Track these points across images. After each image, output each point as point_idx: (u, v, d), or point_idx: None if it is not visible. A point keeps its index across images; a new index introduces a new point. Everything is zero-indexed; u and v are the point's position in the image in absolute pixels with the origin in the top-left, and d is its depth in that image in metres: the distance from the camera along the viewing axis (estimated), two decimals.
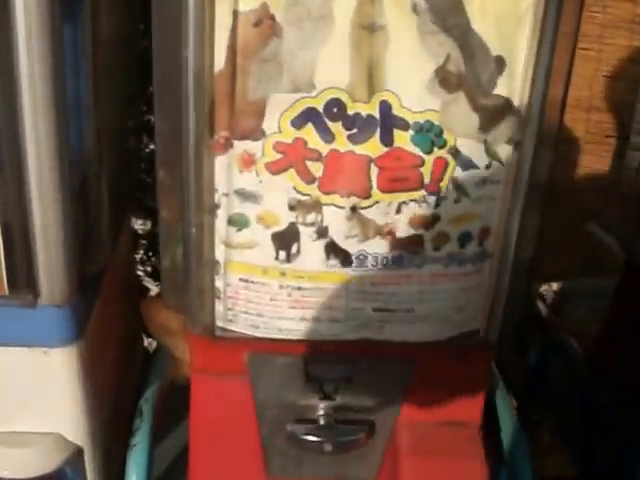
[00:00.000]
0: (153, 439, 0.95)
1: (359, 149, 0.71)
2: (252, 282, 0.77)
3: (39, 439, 0.87)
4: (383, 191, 0.73)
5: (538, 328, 1.36)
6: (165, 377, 1.04)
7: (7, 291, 0.79)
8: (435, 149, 0.72)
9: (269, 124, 0.70)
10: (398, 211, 0.74)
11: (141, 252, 1.39)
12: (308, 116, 0.70)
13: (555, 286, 1.53)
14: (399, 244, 0.76)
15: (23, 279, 0.80)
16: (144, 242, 1.41)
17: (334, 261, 0.76)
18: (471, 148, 0.72)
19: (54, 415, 0.87)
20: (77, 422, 0.88)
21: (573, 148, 1.63)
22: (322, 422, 0.85)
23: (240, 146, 0.71)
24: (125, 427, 0.94)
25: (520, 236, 0.79)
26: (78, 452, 0.89)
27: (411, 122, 0.70)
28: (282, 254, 0.76)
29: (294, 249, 0.75)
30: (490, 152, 0.73)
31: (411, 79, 0.70)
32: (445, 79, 0.70)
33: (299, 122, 0.70)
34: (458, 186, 0.75)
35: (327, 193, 0.73)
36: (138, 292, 1.25)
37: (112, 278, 1.00)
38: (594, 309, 1.21)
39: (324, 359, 0.83)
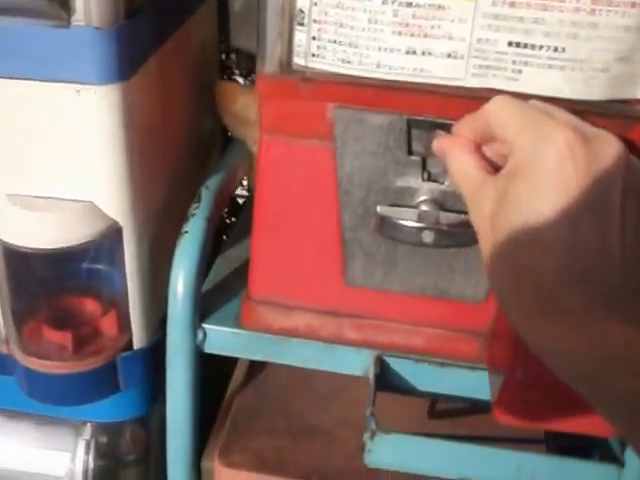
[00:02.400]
0: (209, 234, 0.78)
1: None
2: None
3: (68, 206, 0.72)
4: None
5: None
6: (234, 170, 0.87)
7: None
8: None
9: None
10: None
11: None
12: None
13: None
14: None
15: None
16: None
17: None
18: None
19: (86, 179, 0.72)
20: (113, 191, 0.72)
21: None
22: (424, 208, 0.66)
23: None
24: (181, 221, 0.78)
25: None
26: (115, 229, 0.73)
27: None
28: None
29: None
30: None
31: None
32: None
33: None
34: None
35: None
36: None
37: (182, 41, 0.85)
38: None
39: (434, 123, 0.63)
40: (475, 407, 0.89)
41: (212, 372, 0.86)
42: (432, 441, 0.74)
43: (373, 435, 0.72)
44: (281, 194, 0.71)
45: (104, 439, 0.94)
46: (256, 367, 0.99)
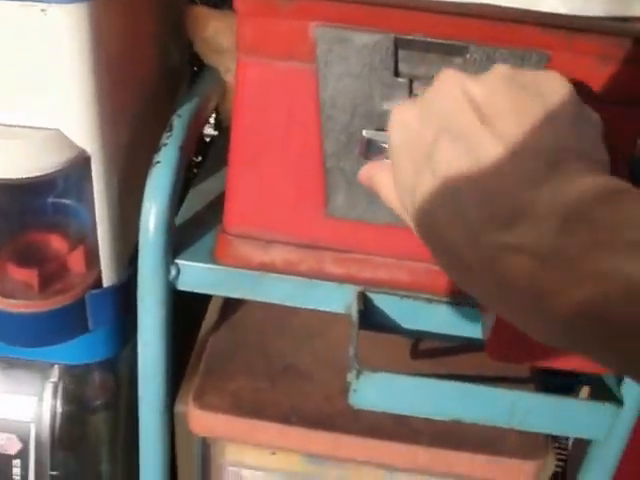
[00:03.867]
0: (182, 165, 0.76)
1: None
2: None
3: (33, 134, 0.70)
4: None
5: None
6: (207, 99, 0.85)
7: None
8: None
9: None
10: None
11: None
12: None
13: None
14: None
15: None
16: None
17: None
18: None
19: (52, 105, 0.69)
20: (81, 118, 0.70)
21: None
22: None
23: None
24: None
25: None
26: (83, 159, 0.71)
27: None
28: None
29: None
30: None
31: None
32: None
33: None
34: None
35: None
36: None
37: None
38: None
39: (422, 44, 0.62)
40: (458, 347, 0.89)
41: (183, 311, 0.84)
42: (422, 380, 0.73)
43: (359, 374, 0.71)
44: (260, 120, 0.69)
45: (72, 382, 0.92)
46: (230, 306, 0.97)
